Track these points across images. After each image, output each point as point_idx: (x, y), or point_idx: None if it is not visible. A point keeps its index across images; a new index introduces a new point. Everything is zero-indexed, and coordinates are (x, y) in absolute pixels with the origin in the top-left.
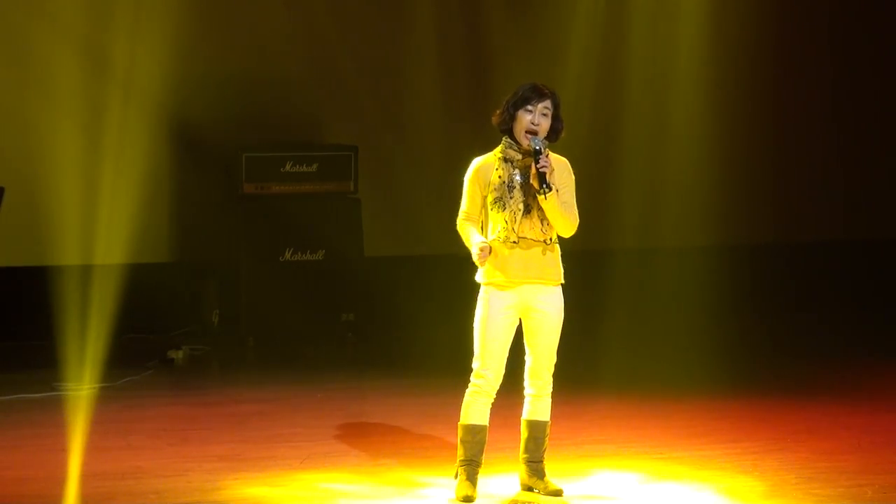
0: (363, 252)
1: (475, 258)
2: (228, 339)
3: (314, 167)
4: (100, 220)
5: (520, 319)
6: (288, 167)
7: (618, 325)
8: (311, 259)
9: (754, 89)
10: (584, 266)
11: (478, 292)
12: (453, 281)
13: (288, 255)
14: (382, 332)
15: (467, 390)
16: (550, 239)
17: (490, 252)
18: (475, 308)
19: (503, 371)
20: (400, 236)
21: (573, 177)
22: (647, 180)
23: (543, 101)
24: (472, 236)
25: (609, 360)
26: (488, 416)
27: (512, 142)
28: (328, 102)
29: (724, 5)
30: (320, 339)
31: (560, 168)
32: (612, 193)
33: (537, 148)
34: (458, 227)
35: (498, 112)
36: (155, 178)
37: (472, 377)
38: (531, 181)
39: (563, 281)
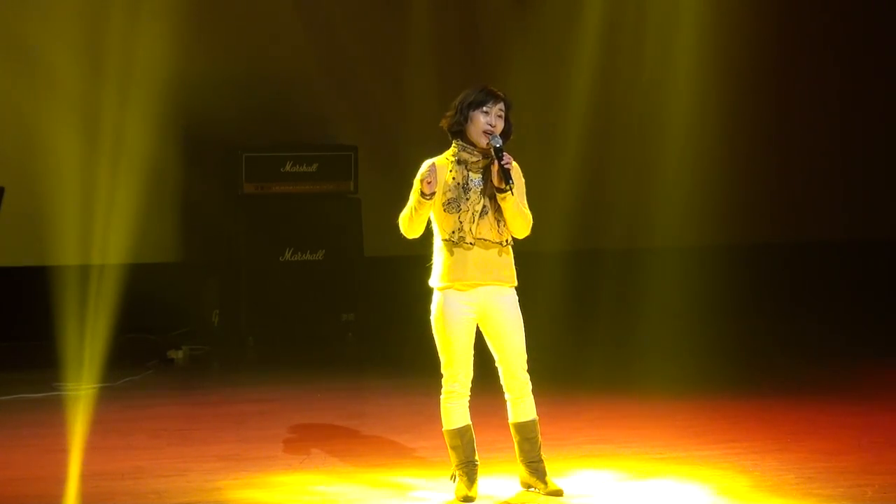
0: (363, 252)
1: (423, 186)
2: (228, 339)
3: (314, 167)
4: (100, 220)
5: (477, 326)
6: (288, 167)
7: (617, 326)
8: (311, 259)
9: (755, 90)
10: (585, 266)
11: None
12: None
13: (288, 255)
14: (382, 332)
15: (442, 398)
16: (507, 241)
17: (433, 175)
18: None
19: (472, 369)
20: (400, 236)
21: (523, 178)
22: (646, 180)
23: (498, 103)
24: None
25: (608, 361)
26: (468, 414)
27: (465, 144)
28: (328, 102)
29: (725, 5)
30: (320, 339)
31: (514, 169)
32: (611, 193)
33: (498, 146)
34: (400, 219)
35: (449, 114)
36: (155, 178)
37: (445, 383)
38: (493, 181)
39: (516, 283)
